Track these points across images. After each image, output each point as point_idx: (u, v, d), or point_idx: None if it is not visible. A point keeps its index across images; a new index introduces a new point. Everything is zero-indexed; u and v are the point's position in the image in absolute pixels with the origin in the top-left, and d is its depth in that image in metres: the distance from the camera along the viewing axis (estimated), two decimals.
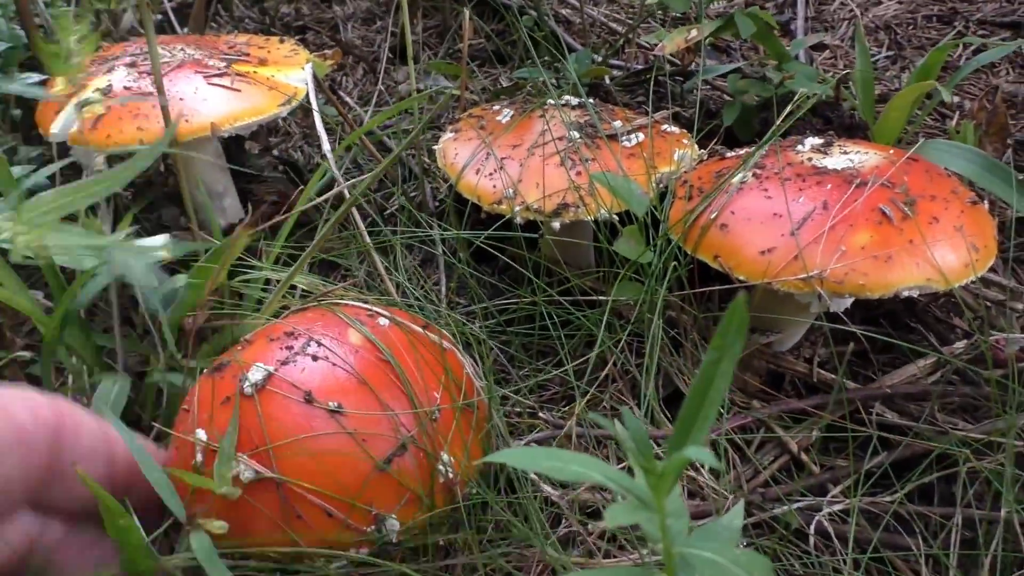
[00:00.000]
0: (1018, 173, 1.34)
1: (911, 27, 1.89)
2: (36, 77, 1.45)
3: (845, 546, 0.89)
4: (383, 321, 0.87)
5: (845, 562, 0.85)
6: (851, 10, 1.92)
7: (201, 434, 0.76)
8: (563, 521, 0.90)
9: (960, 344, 1.11)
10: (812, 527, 0.89)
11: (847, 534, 0.90)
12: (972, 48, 1.80)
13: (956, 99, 1.66)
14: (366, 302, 0.94)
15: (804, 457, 1.02)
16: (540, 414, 0.94)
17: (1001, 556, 0.88)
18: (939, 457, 0.95)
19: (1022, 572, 0.88)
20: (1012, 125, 1.59)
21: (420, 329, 0.88)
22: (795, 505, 0.94)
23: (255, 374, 0.78)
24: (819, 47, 1.78)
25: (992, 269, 1.17)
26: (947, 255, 0.90)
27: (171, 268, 1.31)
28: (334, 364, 0.79)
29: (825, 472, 1.00)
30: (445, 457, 0.78)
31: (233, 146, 1.63)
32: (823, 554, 0.91)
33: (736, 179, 1.00)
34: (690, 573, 0.54)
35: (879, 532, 0.91)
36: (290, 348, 0.81)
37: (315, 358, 0.79)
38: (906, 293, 0.89)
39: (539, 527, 0.85)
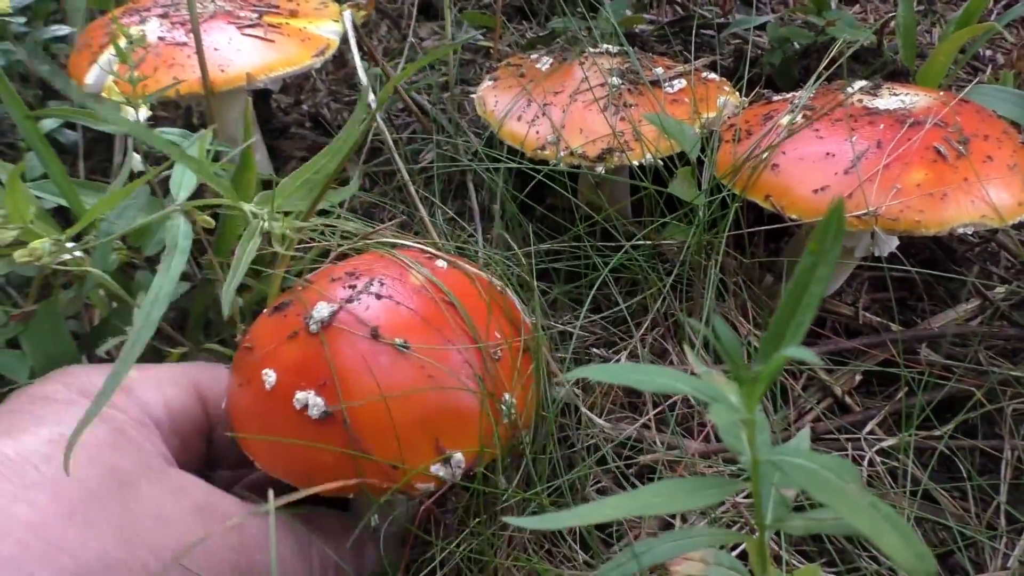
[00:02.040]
0: None
1: None
2: (65, 29, 1.44)
3: (895, 482, 0.90)
4: (441, 263, 0.86)
5: (906, 495, 0.86)
6: None
7: (270, 373, 0.76)
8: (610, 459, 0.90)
9: (1001, 289, 1.11)
10: (865, 462, 0.90)
11: (897, 471, 0.91)
12: (1003, 3, 1.78)
13: (988, 52, 1.65)
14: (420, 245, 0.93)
15: (848, 400, 1.02)
16: (594, 349, 0.94)
17: None
18: (983, 398, 0.96)
19: None
20: None
21: (479, 271, 0.88)
22: (840, 452, 0.95)
23: (320, 311, 0.77)
24: (850, 1, 1.76)
25: None
26: (1001, 193, 0.90)
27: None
28: (398, 303, 0.78)
29: (867, 411, 1.01)
30: (508, 397, 0.78)
31: (260, 102, 1.62)
32: (875, 489, 0.91)
33: (786, 121, 0.99)
34: (775, 481, 0.54)
35: (928, 471, 0.91)
36: (353, 287, 0.80)
37: (379, 297, 0.79)
38: (961, 230, 0.88)
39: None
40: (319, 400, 0.73)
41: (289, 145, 1.59)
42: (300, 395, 0.74)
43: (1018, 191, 0.91)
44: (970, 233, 0.90)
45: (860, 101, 1.01)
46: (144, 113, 1.06)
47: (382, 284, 0.80)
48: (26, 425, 0.67)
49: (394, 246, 0.91)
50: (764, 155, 0.96)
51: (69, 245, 0.87)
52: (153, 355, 0.96)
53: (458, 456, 0.74)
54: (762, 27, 1.46)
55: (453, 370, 0.75)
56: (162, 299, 0.73)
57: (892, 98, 1.01)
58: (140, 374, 0.78)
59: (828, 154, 0.94)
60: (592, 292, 0.99)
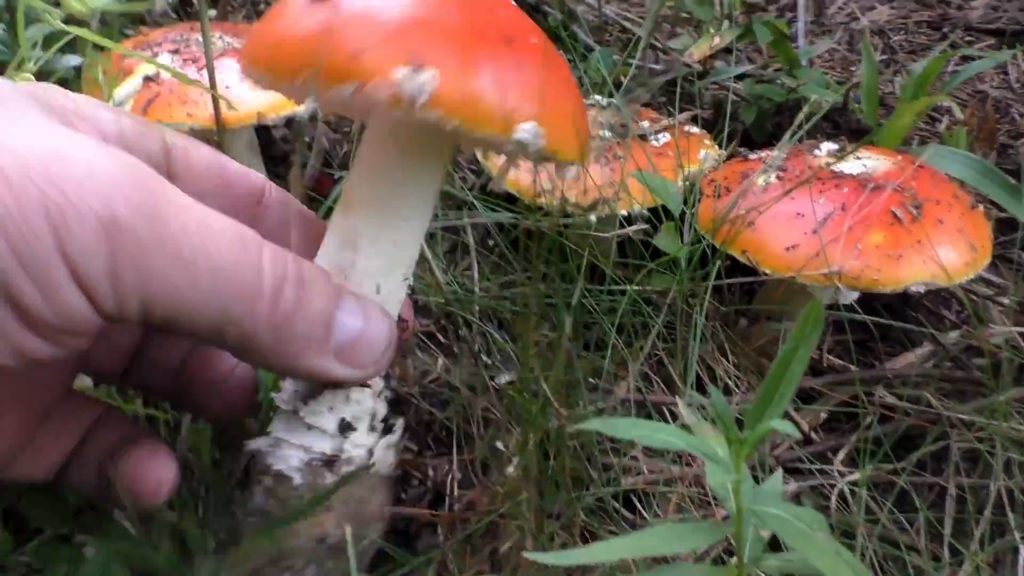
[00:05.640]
0: (1008, 177, 1.46)
1: (903, 32, 2.00)
2: (76, 60, 1.49)
3: (849, 509, 1.00)
4: None
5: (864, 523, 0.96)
6: (848, 14, 2.02)
7: None
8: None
9: (954, 334, 1.23)
10: (835, 494, 1.00)
11: (856, 501, 1.01)
12: (958, 55, 1.92)
13: (945, 103, 1.78)
14: None
15: (814, 435, 1.13)
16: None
17: (990, 525, 0.99)
18: (934, 437, 1.06)
19: (1006, 540, 0.99)
20: (997, 130, 1.71)
21: None
22: (808, 482, 1.05)
23: None
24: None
25: None
26: (950, 254, 1.01)
27: None
28: None
29: (828, 443, 1.11)
30: None
31: (262, 130, 1.69)
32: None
33: (761, 180, 1.09)
34: (754, 525, 0.64)
35: (889, 504, 1.02)
36: None
37: None
38: (914, 288, 0.99)
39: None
40: None
41: (290, 173, 1.66)
42: None
43: (965, 252, 1.02)
44: (922, 291, 1.01)
45: (827, 164, 1.12)
46: None
47: None
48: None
49: None
50: (743, 213, 1.06)
51: None
52: None
53: (429, 74, 0.59)
54: (739, 76, 1.57)
55: None
56: None
57: (856, 162, 1.12)
58: (83, 97, 0.65)
59: (798, 214, 1.04)
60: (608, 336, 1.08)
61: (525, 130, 0.64)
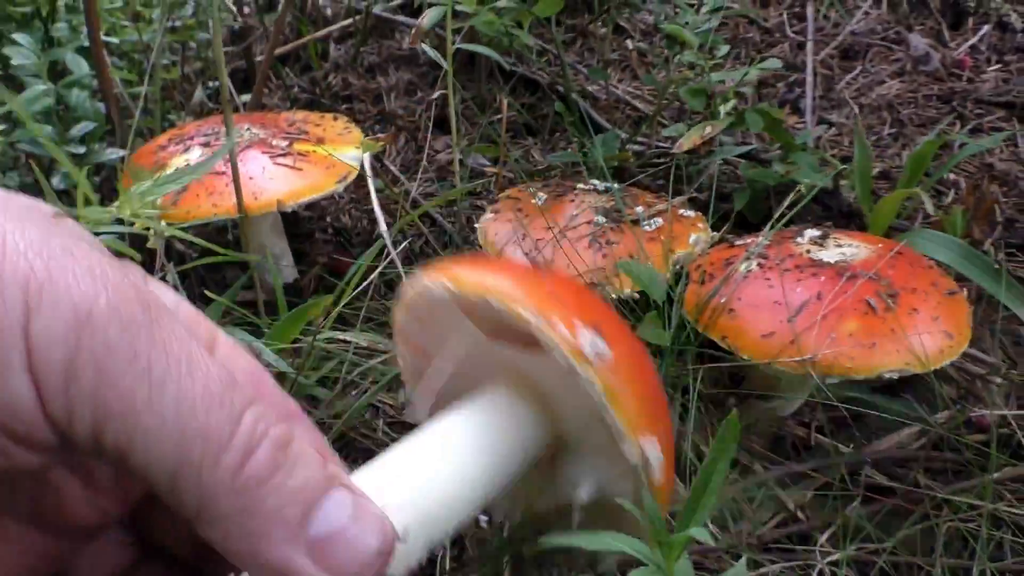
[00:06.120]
0: (1006, 254, 1.49)
1: (912, 105, 2.04)
2: (119, 152, 1.63)
3: None
4: None
5: None
6: (857, 89, 2.07)
7: None
8: None
9: (943, 414, 1.24)
10: (815, 574, 1.02)
11: None
12: (968, 128, 1.95)
13: (952, 176, 1.81)
14: None
15: (800, 515, 1.15)
16: None
17: None
18: (919, 516, 1.08)
19: None
20: (1003, 203, 1.73)
21: None
22: (791, 562, 1.08)
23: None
24: (825, 121, 1.93)
25: (978, 338, 1.32)
26: (925, 342, 1.04)
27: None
28: None
29: (815, 522, 1.13)
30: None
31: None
32: None
33: (743, 268, 1.14)
34: None
35: None
36: None
37: None
38: (888, 375, 1.02)
39: None
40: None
41: (312, 250, 1.76)
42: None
43: (940, 340, 1.05)
44: (896, 378, 1.04)
45: (808, 252, 1.16)
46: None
47: None
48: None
49: None
50: (723, 300, 1.11)
51: None
52: None
53: (604, 345, 0.62)
54: (743, 154, 1.63)
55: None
56: None
57: (835, 250, 1.16)
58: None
59: (775, 302, 1.08)
60: None
61: (652, 444, 0.62)
